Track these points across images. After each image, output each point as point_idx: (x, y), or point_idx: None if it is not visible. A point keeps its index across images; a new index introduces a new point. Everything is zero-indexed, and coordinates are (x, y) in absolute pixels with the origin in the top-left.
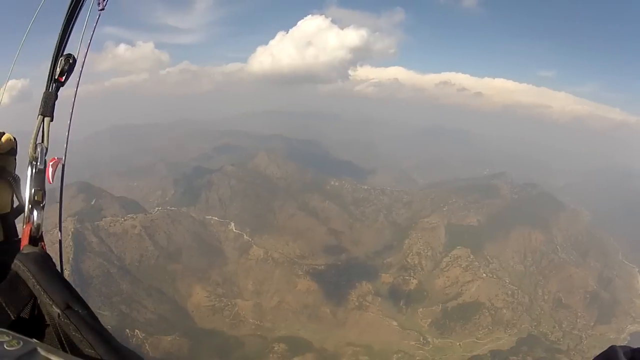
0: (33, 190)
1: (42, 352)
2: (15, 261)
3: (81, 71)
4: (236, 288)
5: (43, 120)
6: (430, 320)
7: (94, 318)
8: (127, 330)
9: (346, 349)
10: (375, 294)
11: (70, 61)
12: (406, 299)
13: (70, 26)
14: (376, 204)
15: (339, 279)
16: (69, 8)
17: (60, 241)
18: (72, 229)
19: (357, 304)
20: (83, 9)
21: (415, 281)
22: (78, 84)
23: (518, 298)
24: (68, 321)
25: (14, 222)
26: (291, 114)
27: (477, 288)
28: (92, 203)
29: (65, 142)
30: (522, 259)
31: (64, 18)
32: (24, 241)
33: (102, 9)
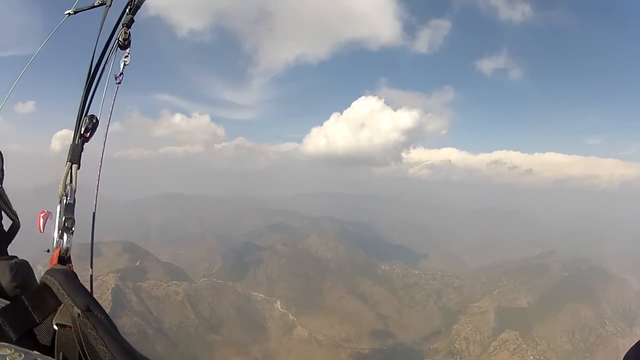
0: (64, 218)
1: None
2: (43, 274)
3: (106, 135)
4: None
5: (71, 167)
6: None
7: (113, 325)
8: None
9: None
10: None
11: (94, 121)
12: None
13: (91, 94)
14: (426, 289)
15: None
16: (87, 80)
17: (91, 276)
18: (113, 285)
19: None
20: (102, 80)
21: None
22: (104, 146)
23: None
24: (87, 320)
25: (5, 244)
26: (345, 196)
27: None
28: (137, 264)
29: (95, 197)
30: (570, 337)
31: (84, 85)
32: (53, 262)
33: (119, 83)
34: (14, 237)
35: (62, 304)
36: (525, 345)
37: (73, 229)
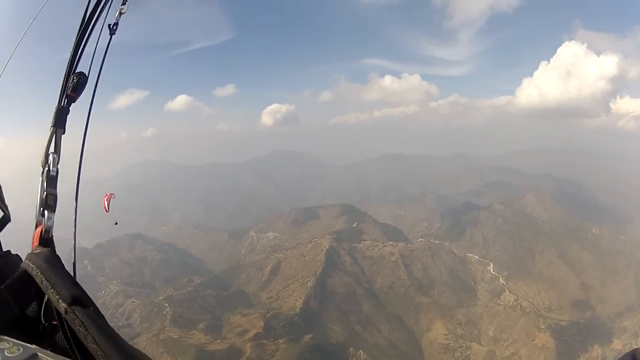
0: (45, 194)
1: (43, 358)
2: (24, 260)
3: (94, 90)
4: (476, 331)
5: (55, 132)
6: None
7: (100, 315)
8: (352, 348)
9: None
10: None
11: (82, 79)
12: None
13: (81, 47)
14: (629, 259)
15: (575, 338)
16: (80, 29)
17: (74, 247)
18: (327, 246)
19: None
20: (95, 30)
21: None
22: (92, 101)
23: None
24: (74, 316)
25: None
26: (560, 152)
27: None
28: (354, 225)
29: (80, 154)
30: None
31: (75, 38)
32: (35, 243)
33: (113, 34)
34: (2, 228)
35: (46, 296)
36: None
37: (55, 205)
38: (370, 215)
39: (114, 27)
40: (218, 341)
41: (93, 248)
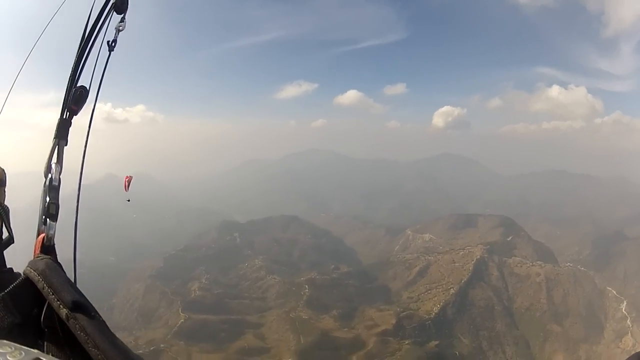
0: (47, 203)
1: None
2: (26, 267)
3: (94, 105)
4: None
5: (58, 143)
6: None
7: (101, 321)
8: None
9: None
10: None
11: (83, 92)
12: None
13: (82, 62)
14: None
15: None
16: (80, 46)
17: (74, 254)
18: (478, 256)
19: None
20: (95, 47)
21: None
22: (92, 114)
23: None
24: (75, 321)
25: (2, 253)
26: None
27: None
28: (508, 239)
29: (80, 166)
30: None
31: (75, 54)
32: (36, 251)
33: (112, 50)
34: (5, 248)
35: (47, 302)
36: None
37: (57, 214)
38: (526, 231)
39: (113, 44)
40: (345, 329)
41: (246, 223)
